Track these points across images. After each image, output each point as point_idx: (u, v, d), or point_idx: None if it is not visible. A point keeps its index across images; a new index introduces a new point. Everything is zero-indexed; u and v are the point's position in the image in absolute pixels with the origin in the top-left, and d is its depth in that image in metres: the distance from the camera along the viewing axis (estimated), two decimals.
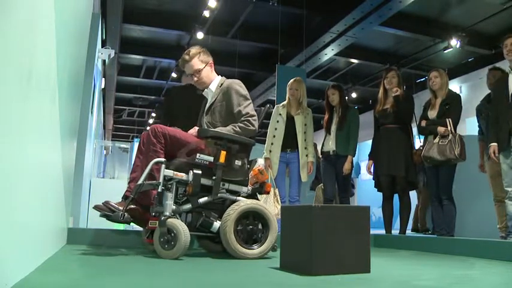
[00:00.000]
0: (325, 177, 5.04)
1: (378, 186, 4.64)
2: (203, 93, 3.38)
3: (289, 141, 4.85)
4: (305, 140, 4.87)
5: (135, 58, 12.63)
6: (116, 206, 2.71)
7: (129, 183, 2.92)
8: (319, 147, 5.41)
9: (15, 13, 1.28)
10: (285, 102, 5.03)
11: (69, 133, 3.13)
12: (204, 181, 2.79)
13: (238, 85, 3.20)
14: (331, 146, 4.92)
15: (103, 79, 10.41)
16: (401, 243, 4.14)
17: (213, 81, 3.30)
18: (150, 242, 2.88)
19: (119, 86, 13.30)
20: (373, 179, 4.70)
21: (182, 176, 2.73)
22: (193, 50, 3.27)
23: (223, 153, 2.86)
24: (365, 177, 12.18)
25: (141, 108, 17.29)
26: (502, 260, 3.01)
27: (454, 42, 9.77)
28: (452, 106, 4.29)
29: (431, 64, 10.80)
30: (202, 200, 2.80)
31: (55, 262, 2.29)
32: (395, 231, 4.74)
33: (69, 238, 3.51)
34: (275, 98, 8.96)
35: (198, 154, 2.85)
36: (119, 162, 17.36)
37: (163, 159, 2.77)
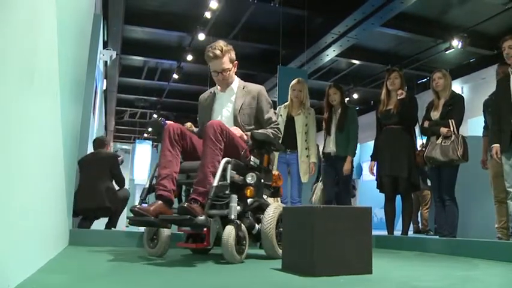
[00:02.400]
0: (325, 178, 5.03)
1: (380, 187, 4.64)
2: (214, 91, 3.27)
3: (289, 142, 4.82)
4: (306, 140, 4.86)
5: (137, 59, 12.66)
6: (195, 208, 2.39)
7: (161, 180, 2.60)
8: (320, 148, 5.40)
9: (16, 14, 1.28)
10: (286, 103, 5.02)
11: (70, 134, 3.13)
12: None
13: (265, 92, 3.23)
14: (331, 147, 4.91)
15: (105, 80, 10.44)
16: (403, 244, 4.14)
17: (234, 82, 3.23)
18: (190, 247, 2.83)
19: (120, 87, 13.31)
20: (376, 179, 4.69)
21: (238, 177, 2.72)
22: (225, 46, 3.08)
23: (266, 157, 2.95)
24: (367, 178, 12.17)
25: (143, 109, 17.32)
26: (504, 261, 3.00)
27: (456, 43, 9.76)
28: (455, 107, 4.28)
29: (433, 65, 10.79)
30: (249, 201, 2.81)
31: (57, 263, 2.29)
32: (397, 232, 4.73)
33: (71, 239, 3.52)
34: (277, 99, 8.96)
35: (251, 157, 2.86)
36: (124, 165, 17.36)
37: (231, 159, 2.66)
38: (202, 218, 2.34)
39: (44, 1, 1.68)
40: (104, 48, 8.79)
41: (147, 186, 2.77)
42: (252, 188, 2.70)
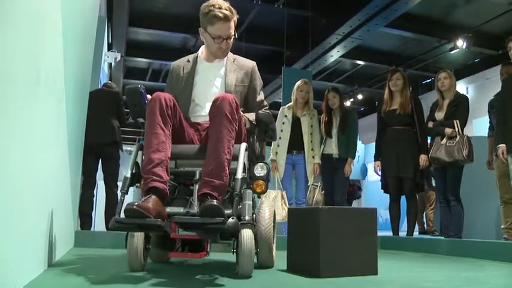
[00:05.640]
0: (325, 181, 5.02)
1: (385, 187, 4.63)
2: (196, 59, 2.65)
3: (295, 143, 4.85)
4: (311, 141, 4.87)
5: (141, 61, 12.68)
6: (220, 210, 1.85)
7: (152, 167, 2.00)
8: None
9: (22, 16, 1.29)
10: (290, 104, 5.02)
11: (75, 136, 3.14)
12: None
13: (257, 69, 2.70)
14: (334, 149, 4.91)
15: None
16: (408, 245, 4.12)
17: None
18: (192, 257, 2.31)
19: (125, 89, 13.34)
20: (381, 180, 4.69)
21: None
22: (230, 6, 2.49)
23: (264, 144, 2.56)
24: (372, 179, 12.14)
25: None
26: (510, 262, 2.99)
27: (460, 43, 9.74)
28: (459, 107, 4.29)
29: (438, 65, 10.77)
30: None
31: (62, 265, 2.30)
32: (402, 233, 4.72)
33: (76, 241, 3.52)
34: (281, 100, 8.97)
35: (257, 144, 2.49)
36: (125, 165, 17.30)
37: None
38: (233, 221, 1.84)
39: (49, 3, 1.69)
40: (108, 50, 8.84)
41: (128, 175, 2.13)
42: (262, 181, 2.21)
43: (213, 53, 2.57)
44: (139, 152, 2.20)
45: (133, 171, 2.15)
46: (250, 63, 2.64)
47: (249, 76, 2.60)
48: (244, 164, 2.11)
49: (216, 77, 2.56)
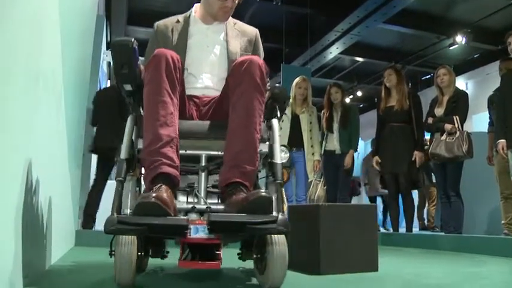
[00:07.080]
0: (328, 177, 5.02)
1: (384, 184, 4.65)
2: (189, 19, 2.20)
3: (295, 140, 4.84)
4: (311, 138, 4.87)
5: (141, 60, 12.66)
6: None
7: (161, 147, 1.56)
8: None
9: (21, 15, 1.29)
10: (289, 101, 5.01)
11: (75, 135, 3.14)
12: None
13: None
14: (336, 144, 4.92)
15: (108, 81, 10.46)
16: (408, 241, 4.13)
17: None
18: (209, 267, 1.57)
19: None
20: (380, 176, 4.71)
21: None
22: None
23: None
24: None
25: None
26: (510, 257, 2.99)
27: (460, 39, 9.72)
28: (459, 103, 4.29)
29: (437, 61, 10.75)
30: None
31: (63, 264, 2.30)
32: (402, 229, 4.73)
33: (77, 240, 3.53)
34: None
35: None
36: None
37: None
38: (283, 218, 1.46)
39: (47, 3, 1.69)
40: (107, 49, 8.81)
41: (123, 156, 1.64)
42: (284, 170, 1.76)
43: (213, 13, 2.10)
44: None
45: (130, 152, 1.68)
46: (253, 30, 2.21)
47: (252, 44, 2.17)
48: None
49: (215, 43, 2.10)
